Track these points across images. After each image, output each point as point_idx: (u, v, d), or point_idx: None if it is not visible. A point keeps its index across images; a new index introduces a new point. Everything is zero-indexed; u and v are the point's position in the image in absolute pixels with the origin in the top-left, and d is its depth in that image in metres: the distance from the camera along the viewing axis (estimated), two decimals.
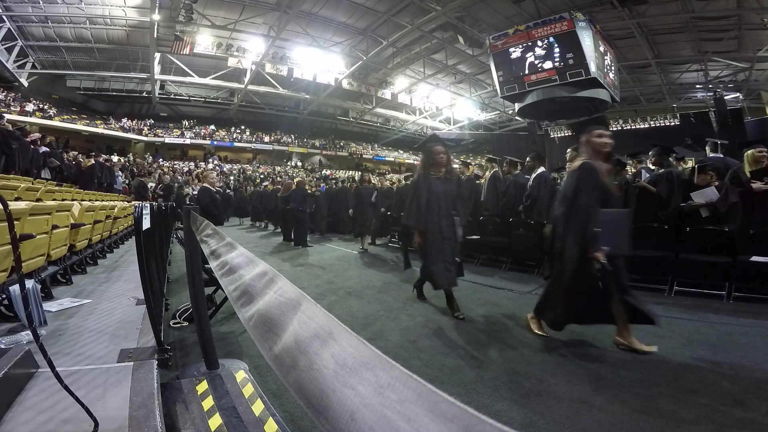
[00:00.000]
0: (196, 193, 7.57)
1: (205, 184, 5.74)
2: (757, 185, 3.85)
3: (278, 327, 0.60)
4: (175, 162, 24.06)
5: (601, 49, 13.83)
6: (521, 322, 3.25)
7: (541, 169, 5.54)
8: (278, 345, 0.57)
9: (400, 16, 16.73)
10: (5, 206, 1.20)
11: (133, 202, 8.91)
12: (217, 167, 23.58)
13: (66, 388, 1.26)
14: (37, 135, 8.54)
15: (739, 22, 13.94)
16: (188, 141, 25.53)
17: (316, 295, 4.16)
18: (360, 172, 9.58)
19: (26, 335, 2.18)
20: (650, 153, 4.94)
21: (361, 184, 8.19)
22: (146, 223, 2.24)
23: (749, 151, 4.08)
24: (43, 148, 8.35)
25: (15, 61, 18.64)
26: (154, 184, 16.46)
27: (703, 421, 1.81)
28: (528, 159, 5.90)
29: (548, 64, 13.63)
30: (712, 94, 17.29)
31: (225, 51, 19.71)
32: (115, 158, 20.20)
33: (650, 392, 2.08)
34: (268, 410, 1.82)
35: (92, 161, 10.23)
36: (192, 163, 24.56)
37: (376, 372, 0.38)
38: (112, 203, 6.54)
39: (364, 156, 31.92)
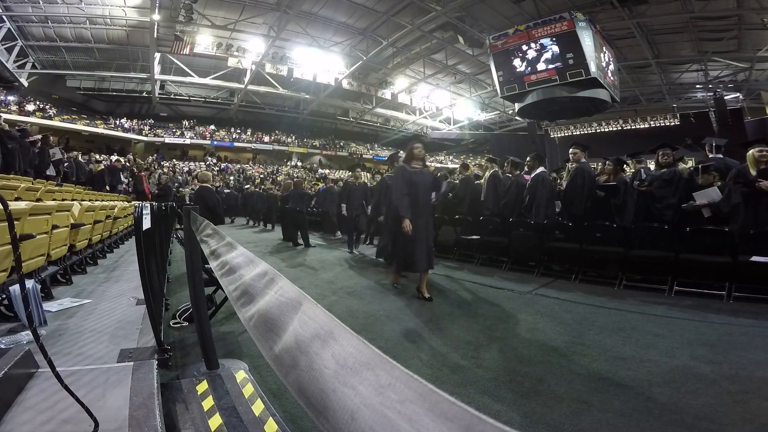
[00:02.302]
0: (193, 193, 7.59)
1: (206, 184, 5.77)
2: (764, 184, 3.85)
3: (278, 327, 0.60)
4: (175, 162, 24.09)
5: (601, 49, 13.83)
6: (521, 322, 3.25)
7: (540, 169, 5.55)
8: (278, 345, 0.57)
9: (400, 16, 16.73)
10: (5, 206, 1.21)
11: (133, 202, 8.92)
12: (212, 166, 23.65)
13: (66, 388, 1.26)
14: (38, 137, 8.56)
15: (739, 22, 13.94)
16: (188, 141, 25.55)
17: (317, 295, 4.16)
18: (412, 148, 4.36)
19: (26, 335, 2.18)
20: (673, 152, 4.92)
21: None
22: (146, 223, 2.24)
23: (750, 151, 4.08)
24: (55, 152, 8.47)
25: (15, 61, 18.62)
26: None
27: (703, 421, 1.81)
28: (528, 159, 5.90)
29: (548, 65, 13.63)
30: (712, 94, 17.31)
31: (225, 51, 19.70)
32: (114, 158, 20.26)
33: (650, 392, 2.08)
34: (268, 410, 1.82)
35: (102, 166, 10.66)
36: (192, 163, 24.56)
37: (376, 372, 0.38)
38: (112, 203, 6.54)
39: (364, 156, 31.93)
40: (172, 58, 20.77)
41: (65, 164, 9.34)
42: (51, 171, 8.21)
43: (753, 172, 3.99)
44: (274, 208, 12.41)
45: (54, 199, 5.04)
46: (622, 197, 4.88)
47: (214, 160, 26.03)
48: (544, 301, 3.95)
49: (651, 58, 16.92)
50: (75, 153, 11.30)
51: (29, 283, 2.29)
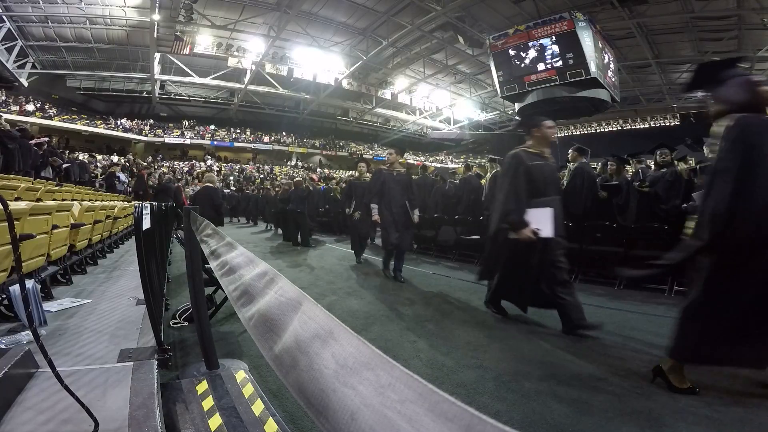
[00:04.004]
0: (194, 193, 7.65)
1: (208, 184, 5.82)
2: None
3: (278, 327, 0.60)
4: (175, 162, 24.11)
5: (601, 49, 13.84)
6: (521, 322, 3.25)
7: None
8: (278, 345, 0.57)
9: (400, 16, 16.74)
10: (5, 206, 1.20)
11: (133, 202, 8.93)
12: (212, 166, 23.70)
13: (66, 388, 1.26)
14: (44, 139, 8.59)
15: (739, 22, 13.95)
16: (188, 141, 25.57)
17: (317, 295, 4.16)
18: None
19: (26, 335, 2.18)
20: (671, 153, 4.97)
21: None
22: (146, 223, 2.24)
23: None
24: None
25: (15, 61, 18.64)
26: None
27: (703, 421, 1.81)
28: None
29: (547, 65, 13.64)
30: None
31: (225, 51, 19.72)
32: (115, 158, 20.29)
33: (650, 392, 2.08)
34: (268, 410, 1.82)
35: (113, 169, 11.35)
36: (182, 163, 24.56)
37: (376, 372, 0.38)
38: (112, 203, 6.54)
39: (364, 156, 31.93)
40: (172, 58, 20.78)
41: (65, 165, 9.34)
42: (47, 173, 8.23)
43: None
44: (263, 206, 13.06)
45: (54, 199, 5.04)
46: (625, 197, 4.88)
47: (214, 161, 26.04)
48: None
49: (651, 58, 16.93)
50: (76, 153, 11.44)
51: (29, 283, 2.29)
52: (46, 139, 8.66)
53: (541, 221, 2.85)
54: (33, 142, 7.70)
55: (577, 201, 5.16)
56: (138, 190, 11.81)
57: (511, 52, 14.48)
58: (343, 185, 11.89)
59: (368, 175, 6.18)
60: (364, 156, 30.28)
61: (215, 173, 21.37)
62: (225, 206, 5.98)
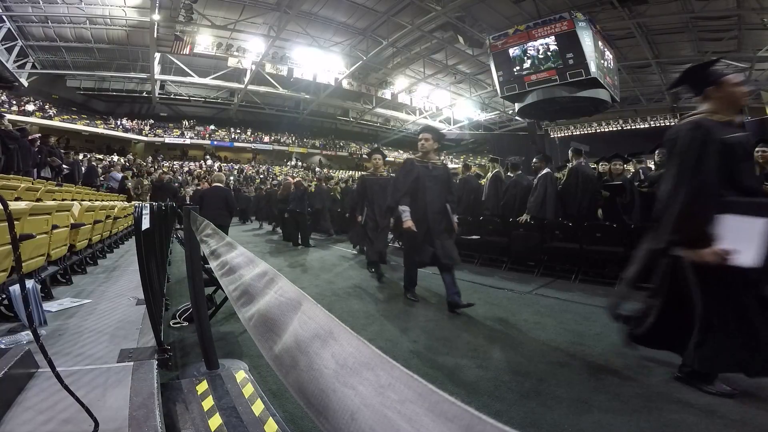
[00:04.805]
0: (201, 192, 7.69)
1: (218, 184, 5.85)
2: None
3: (278, 327, 0.60)
4: (181, 162, 24.13)
5: (601, 49, 13.83)
6: (521, 322, 3.25)
7: (546, 170, 5.56)
8: (278, 345, 0.57)
9: (400, 16, 16.73)
10: (5, 206, 1.21)
11: (133, 202, 8.92)
12: (213, 166, 23.75)
13: (66, 388, 1.26)
14: (36, 135, 8.56)
15: (739, 22, 13.95)
16: (188, 141, 25.58)
17: (316, 295, 4.16)
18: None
19: (26, 335, 2.18)
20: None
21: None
22: (146, 223, 2.24)
23: (756, 154, 4.12)
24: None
25: (15, 61, 18.63)
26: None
27: (703, 421, 1.81)
28: (535, 160, 5.90)
29: (548, 64, 13.65)
30: None
31: (225, 51, 19.71)
32: (115, 158, 20.30)
33: (650, 392, 2.08)
34: (268, 410, 1.82)
35: (125, 173, 12.50)
36: (192, 163, 24.57)
37: (376, 372, 0.38)
38: (112, 203, 6.54)
39: (364, 156, 31.90)
40: (172, 58, 20.77)
41: (65, 167, 9.33)
42: (46, 173, 8.24)
43: (757, 173, 4.01)
44: (260, 206, 13.62)
45: (54, 199, 5.04)
46: (629, 195, 4.90)
47: (214, 161, 26.04)
48: (544, 301, 3.95)
49: (651, 58, 16.92)
50: (79, 155, 11.49)
51: (29, 283, 2.29)
52: (38, 135, 8.62)
53: (742, 237, 1.68)
54: (28, 139, 7.67)
55: (570, 201, 5.20)
56: (155, 196, 11.97)
57: (511, 52, 14.45)
58: (343, 185, 11.89)
59: (383, 171, 5.50)
60: (363, 157, 29.99)
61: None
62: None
